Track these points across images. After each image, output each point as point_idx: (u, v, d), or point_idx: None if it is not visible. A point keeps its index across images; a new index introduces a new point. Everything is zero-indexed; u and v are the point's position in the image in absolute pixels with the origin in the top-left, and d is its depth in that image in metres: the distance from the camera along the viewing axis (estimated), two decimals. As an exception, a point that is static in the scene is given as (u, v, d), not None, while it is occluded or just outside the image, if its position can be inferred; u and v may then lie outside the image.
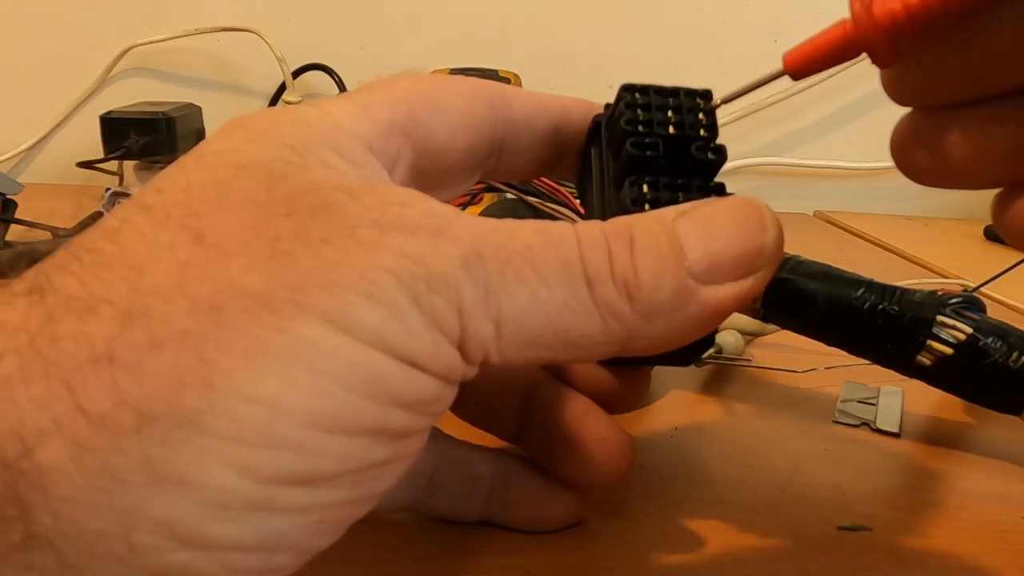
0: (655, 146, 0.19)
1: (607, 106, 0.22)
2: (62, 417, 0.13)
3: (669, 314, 0.16)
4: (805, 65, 0.18)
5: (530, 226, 0.16)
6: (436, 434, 0.22)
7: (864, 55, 0.17)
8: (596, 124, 0.22)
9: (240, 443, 0.13)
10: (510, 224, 0.16)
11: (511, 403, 0.23)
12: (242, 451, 0.13)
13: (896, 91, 0.18)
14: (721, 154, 0.19)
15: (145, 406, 0.13)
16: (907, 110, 0.18)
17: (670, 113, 0.20)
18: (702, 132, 0.20)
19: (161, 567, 0.13)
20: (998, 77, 0.16)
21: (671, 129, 0.20)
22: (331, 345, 0.14)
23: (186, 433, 0.13)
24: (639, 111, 0.20)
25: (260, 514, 0.14)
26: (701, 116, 0.20)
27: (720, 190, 0.19)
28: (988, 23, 0.15)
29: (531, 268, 0.15)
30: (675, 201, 0.19)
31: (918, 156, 0.18)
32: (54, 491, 0.13)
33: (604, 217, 0.20)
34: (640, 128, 0.19)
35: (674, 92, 0.20)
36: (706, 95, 0.20)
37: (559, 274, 0.16)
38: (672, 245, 0.16)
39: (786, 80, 0.19)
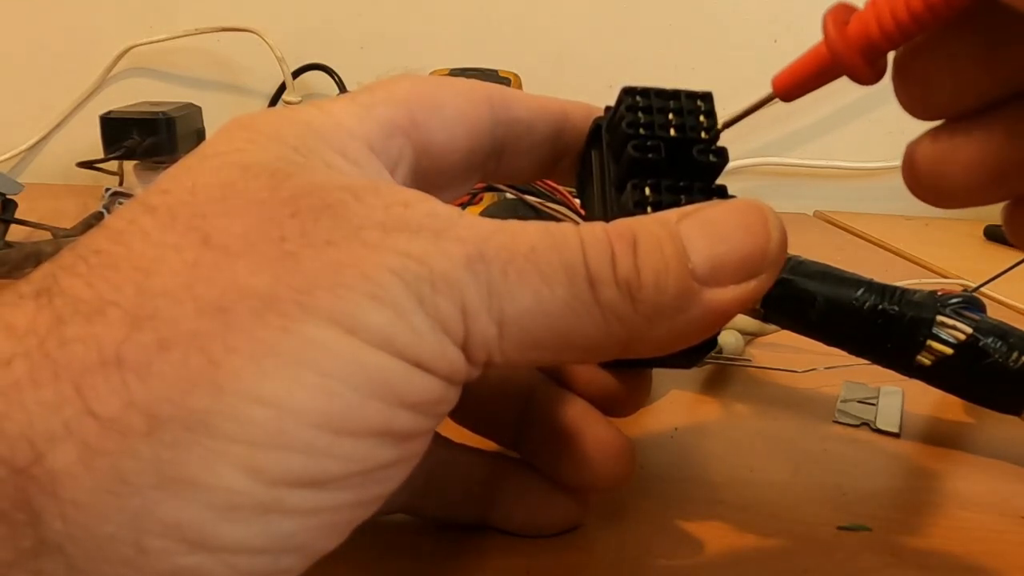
0: (656, 149, 0.19)
1: (607, 109, 0.22)
2: (72, 420, 0.13)
3: (672, 316, 0.16)
4: (793, 88, 0.19)
5: (534, 227, 0.16)
6: (433, 436, 0.22)
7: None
8: (596, 127, 0.22)
9: (249, 444, 0.13)
10: (513, 225, 0.16)
11: (509, 407, 0.23)
12: (251, 452, 0.13)
13: (910, 103, 0.18)
14: (722, 156, 0.19)
15: (154, 408, 0.13)
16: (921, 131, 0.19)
17: (671, 116, 0.20)
18: (703, 134, 0.20)
19: (170, 570, 0.13)
20: (1020, 77, 0.16)
21: (672, 132, 0.20)
22: (338, 346, 0.14)
23: (195, 435, 0.13)
24: (640, 114, 0.20)
25: (269, 516, 0.14)
26: (702, 118, 0.20)
27: (722, 192, 0.19)
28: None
29: (534, 269, 0.15)
30: (677, 203, 0.19)
31: (932, 175, 0.18)
32: (65, 495, 0.13)
33: (606, 219, 0.20)
34: (641, 131, 0.19)
35: (675, 94, 0.20)
36: (707, 97, 0.20)
37: (562, 275, 0.16)
38: (675, 247, 0.16)
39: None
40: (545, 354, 0.16)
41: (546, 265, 0.16)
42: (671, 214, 0.17)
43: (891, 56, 0.18)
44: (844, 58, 0.17)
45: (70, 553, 0.13)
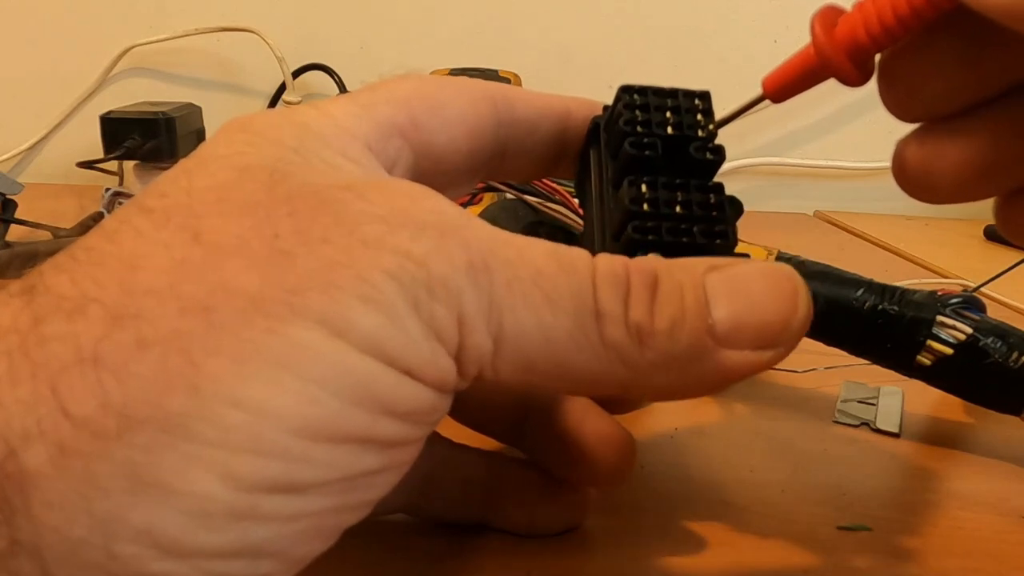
0: (653, 146, 0.19)
1: (605, 108, 0.22)
2: (45, 419, 0.13)
3: (680, 368, 0.16)
4: (782, 89, 0.19)
5: (543, 247, 0.16)
6: (431, 437, 0.22)
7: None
8: (595, 125, 0.22)
9: (224, 449, 0.13)
10: (521, 241, 0.16)
11: (510, 404, 0.23)
12: (226, 457, 0.13)
13: (896, 106, 0.18)
14: (720, 154, 0.20)
15: (129, 409, 0.13)
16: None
17: (668, 114, 0.20)
18: (700, 132, 0.20)
19: None
20: (1004, 77, 0.16)
21: (669, 129, 0.20)
22: (323, 350, 0.13)
23: (170, 438, 0.13)
24: (637, 112, 0.20)
25: (243, 522, 0.13)
26: (700, 117, 0.20)
27: (719, 189, 0.19)
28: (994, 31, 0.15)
29: (539, 291, 0.15)
30: (674, 200, 0.19)
31: (921, 173, 0.18)
32: (36, 496, 0.12)
33: (603, 218, 0.20)
34: (639, 129, 0.19)
35: (672, 93, 0.20)
36: (705, 96, 0.20)
37: (568, 303, 0.15)
38: (697, 298, 0.16)
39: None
40: (538, 379, 0.16)
41: (552, 289, 0.15)
42: (699, 263, 0.16)
43: (878, 58, 0.18)
44: (831, 60, 0.17)
45: (43, 556, 0.12)
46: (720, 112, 0.20)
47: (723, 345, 0.16)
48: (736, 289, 0.16)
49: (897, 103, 0.18)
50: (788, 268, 0.17)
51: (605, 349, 0.15)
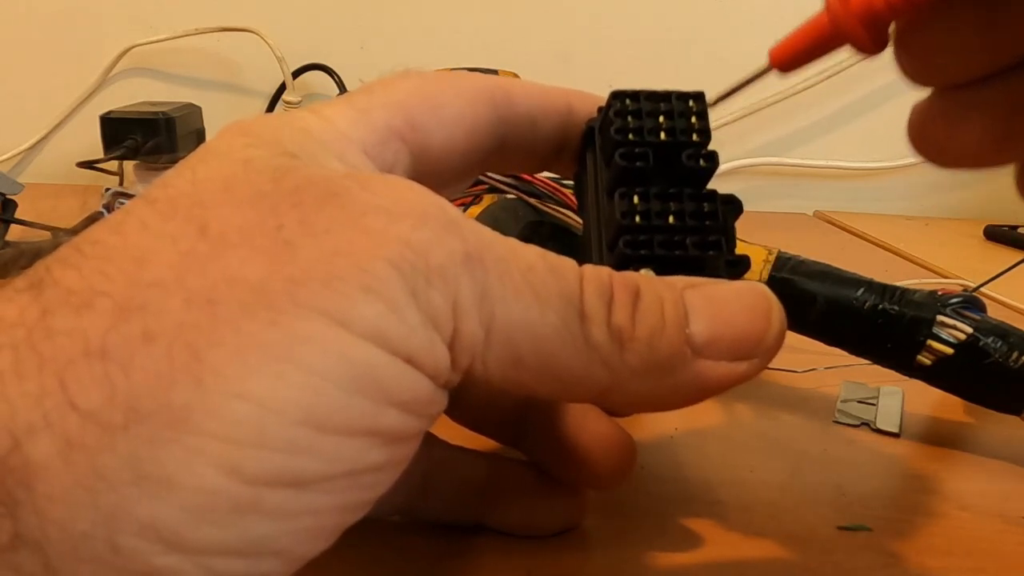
0: (645, 156, 0.19)
1: (600, 109, 0.22)
2: (52, 413, 0.13)
3: (658, 375, 0.16)
4: (790, 59, 0.18)
5: (534, 250, 0.16)
6: (428, 438, 0.22)
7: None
8: (590, 128, 0.22)
9: (228, 442, 0.13)
10: (514, 242, 0.16)
11: (509, 404, 0.23)
12: (230, 450, 0.13)
13: (913, 72, 0.18)
14: (713, 161, 0.19)
15: (135, 402, 0.13)
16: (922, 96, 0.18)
17: (661, 119, 0.19)
18: (694, 137, 0.19)
19: (146, 571, 0.13)
20: (1021, 45, 0.16)
21: (662, 136, 0.19)
22: (326, 340, 0.14)
23: (174, 432, 0.13)
24: (629, 118, 0.19)
25: (246, 517, 0.13)
26: (693, 120, 0.19)
27: (712, 197, 0.19)
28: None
29: (529, 287, 0.15)
30: (666, 211, 0.18)
31: (938, 138, 0.18)
32: (40, 489, 0.12)
33: (599, 226, 0.20)
34: (630, 136, 0.19)
35: (666, 96, 0.20)
36: (699, 97, 0.20)
37: (556, 301, 0.16)
38: (677, 311, 0.16)
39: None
40: (525, 376, 0.16)
41: (542, 286, 0.16)
42: (678, 281, 0.17)
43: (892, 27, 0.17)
44: (845, 27, 0.17)
45: (46, 550, 0.12)
46: (719, 95, 0.20)
47: (701, 355, 0.16)
48: (714, 305, 0.17)
49: (914, 70, 0.17)
50: (763, 287, 0.17)
51: (588, 349, 0.16)
